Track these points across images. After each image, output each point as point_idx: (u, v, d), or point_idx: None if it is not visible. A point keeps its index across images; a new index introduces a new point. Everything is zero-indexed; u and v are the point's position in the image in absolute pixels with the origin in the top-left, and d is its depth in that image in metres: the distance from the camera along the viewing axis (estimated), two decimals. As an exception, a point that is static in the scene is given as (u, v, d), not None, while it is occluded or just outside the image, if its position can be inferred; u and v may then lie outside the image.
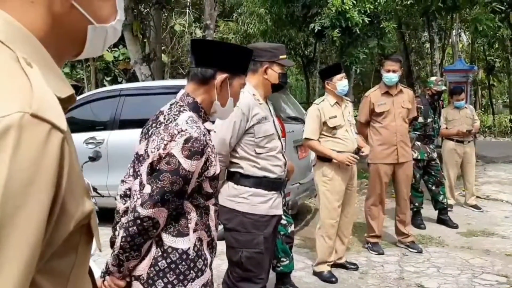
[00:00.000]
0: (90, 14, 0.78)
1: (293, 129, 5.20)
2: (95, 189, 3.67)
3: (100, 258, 3.65)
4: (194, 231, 1.72)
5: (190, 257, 1.70)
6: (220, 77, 1.80)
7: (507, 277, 4.01)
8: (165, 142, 1.65)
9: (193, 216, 1.72)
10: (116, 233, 1.84)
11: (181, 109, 1.75)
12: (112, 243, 1.86)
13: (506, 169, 9.38)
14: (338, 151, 3.96)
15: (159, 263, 1.68)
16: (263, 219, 2.61)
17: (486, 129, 17.18)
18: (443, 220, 5.75)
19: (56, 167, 0.62)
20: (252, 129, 2.59)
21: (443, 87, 5.79)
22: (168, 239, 1.69)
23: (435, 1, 8.68)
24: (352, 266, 4.30)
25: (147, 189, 1.64)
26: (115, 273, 1.71)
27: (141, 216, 1.62)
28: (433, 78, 6.00)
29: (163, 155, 1.64)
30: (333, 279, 4.01)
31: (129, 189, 1.84)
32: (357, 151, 3.93)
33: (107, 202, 4.90)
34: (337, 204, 4.04)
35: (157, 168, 1.65)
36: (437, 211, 5.83)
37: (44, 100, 0.63)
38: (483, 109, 20.86)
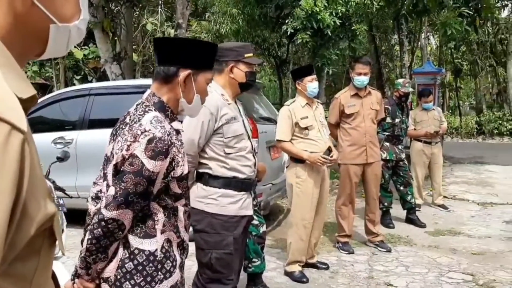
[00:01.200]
0: (52, 12, 0.76)
1: (266, 129, 5.22)
2: (63, 190, 3.60)
3: (69, 261, 3.58)
4: (162, 232, 1.71)
5: (157, 258, 1.68)
6: (183, 74, 1.77)
7: (473, 275, 4.12)
8: (128, 143, 1.63)
9: (161, 217, 1.71)
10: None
11: (146, 109, 1.72)
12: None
13: (472, 169, 9.63)
14: (311, 152, 3.99)
15: (126, 265, 1.66)
16: (233, 219, 2.61)
17: (453, 131, 17.62)
18: (411, 219, 5.87)
19: (17, 169, 0.61)
20: (221, 129, 2.57)
21: (410, 89, 5.91)
22: (135, 241, 1.67)
23: (406, 4, 8.86)
24: (323, 266, 4.34)
25: (111, 190, 1.63)
26: (84, 276, 1.69)
27: (105, 218, 1.60)
28: (400, 80, 6.11)
29: (127, 156, 1.62)
30: (304, 279, 4.04)
31: (101, 191, 1.82)
32: (328, 152, 3.97)
33: (76, 203, 4.82)
34: (310, 205, 4.07)
35: (121, 169, 1.63)
36: (405, 211, 5.94)
37: (3, 101, 0.61)
38: (450, 111, 21.38)
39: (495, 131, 16.89)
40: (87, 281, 1.70)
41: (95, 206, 1.84)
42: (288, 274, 4.15)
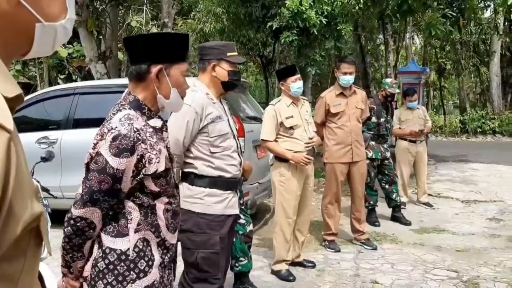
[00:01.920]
0: (38, 11, 0.76)
1: (252, 128, 5.22)
2: (47, 190, 3.57)
3: (53, 262, 3.55)
4: (136, 231, 1.69)
5: (129, 258, 1.67)
6: (155, 69, 1.74)
7: (457, 272, 4.18)
8: (95, 141, 1.64)
9: (135, 216, 1.70)
10: None
11: (121, 107, 1.73)
12: None
13: (456, 167, 9.74)
14: (296, 151, 4.01)
15: (99, 264, 1.67)
16: (219, 219, 2.61)
17: (438, 129, 17.79)
18: (396, 217, 5.93)
19: (3, 168, 0.60)
20: (206, 128, 2.57)
21: (397, 90, 5.96)
22: (107, 240, 1.67)
23: (391, 5, 8.93)
24: (310, 264, 4.36)
25: (80, 189, 1.64)
26: (68, 274, 1.71)
27: (73, 216, 1.62)
28: (388, 80, 6.15)
29: (93, 155, 1.63)
30: (291, 278, 4.05)
31: None
32: (312, 153, 3.98)
33: (61, 204, 4.77)
34: (294, 203, 4.08)
35: (89, 168, 1.64)
36: (391, 209, 5.99)
37: None
38: (434, 110, 21.59)
39: (479, 130, 17.09)
40: (72, 280, 1.72)
41: None
42: (275, 273, 4.16)
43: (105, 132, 1.63)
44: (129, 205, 1.69)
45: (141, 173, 1.67)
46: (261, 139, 4.13)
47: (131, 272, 1.67)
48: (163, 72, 1.76)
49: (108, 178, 1.61)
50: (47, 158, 3.75)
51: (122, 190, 1.65)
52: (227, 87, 2.74)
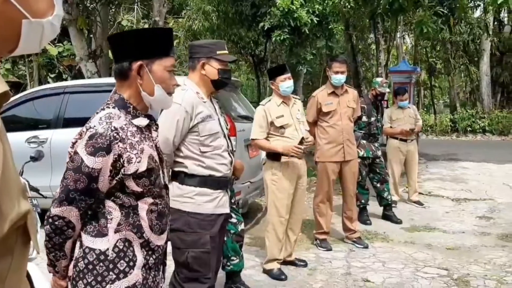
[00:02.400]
0: (25, 8, 0.75)
1: (244, 128, 5.21)
2: (37, 190, 3.53)
3: (43, 262, 3.52)
4: (116, 231, 1.67)
5: (108, 258, 1.66)
6: (135, 66, 1.71)
7: (448, 270, 4.20)
8: (74, 140, 1.64)
9: (116, 216, 1.68)
10: None
11: (104, 106, 1.72)
12: None
13: (446, 166, 9.81)
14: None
15: (79, 264, 1.66)
16: (209, 218, 2.60)
17: (428, 128, 17.89)
18: (387, 216, 5.95)
19: None
20: (196, 127, 2.56)
21: (387, 89, 5.99)
22: (87, 240, 1.67)
23: (382, 4, 8.96)
24: (301, 263, 4.36)
25: (59, 188, 1.64)
26: (54, 273, 1.73)
27: (51, 215, 1.62)
28: (378, 79, 6.17)
29: (72, 153, 1.63)
30: (283, 277, 4.05)
31: None
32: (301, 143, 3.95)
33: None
34: (286, 203, 4.09)
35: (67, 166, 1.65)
36: (382, 208, 6.02)
37: None
38: (425, 109, 21.73)
39: (469, 129, 17.22)
40: (59, 279, 1.72)
41: None
42: (266, 272, 4.16)
43: (83, 131, 1.62)
44: (109, 205, 1.68)
45: (120, 172, 1.65)
46: (251, 138, 4.13)
47: (110, 273, 1.65)
48: (144, 68, 1.72)
49: (84, 177, 1.60)
50: (36, 157, 3.72)
51: (99, 189, 1.63)
52: (217, 86, 2.72)
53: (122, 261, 1.67)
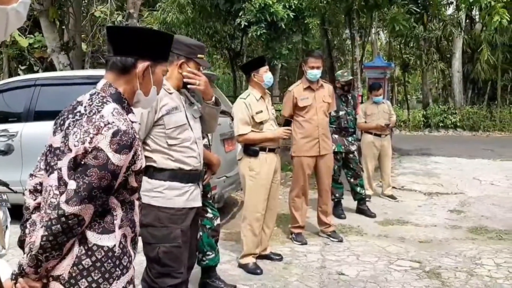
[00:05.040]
0: None
1: (220, 122, 5.14)
2: (7, 185, 3.45)
3: (14, 258, 3.44)
4: (120, 227, 1.68)
5: (115, 254, 1.65)
6: (142, 65, 1.74)
7: (420, 263, 4.28)
8: (91, 135, 1.58)
9: (119, 212, 1.68)
10: (27, 231, 1.72)
11: (104, 100, 1.67)
12: (22, 242, 1.75)
13: (419, 161, 9.98)
14: (266, 144, 4.06)
15: (83, 262, 1.61)
16: (180, 212, 2.58)
17: (401, 124, 18.18)
18: (361, 210, 6.03)
19: None
20: (162, 120, 2.53)
21: (350, 77, 6.06)
22: (93, 237, 1.62)
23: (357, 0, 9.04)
24: (277, 257, 4.38)
25: (72, 185, 1.56)
26: (31, 275, 1.60)
27: (66, 214, 1.53)
28: (339, 72, 6.30)
29: (89, 149, 1.57)
30: (258, 271, 4.06)
31: (40, 184, 1.73)
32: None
33: (22, 199, 4.63)
34: (263, 198, 4.09)
35: (83, 162, 1.57)
36: (356, 202, 6.09)
37: None
38: (398, 105, 22.06)
39: (441, 124, 17.56)
40: (33, 280, 1.61)
41: (34, 199, 1.75)
42: (242, 266, 4.16)
43: (101, 127, 1.58)
44: (113, 201, 1.67)
45: (130, 169, 1.66)
46: (237, 135, 4.08)
47: (117, 269, 1.65)
48: (149, 69, 1.76)
49: (109, 175, 1.57)
50: (6, 151, 3.64)
51: (115, 187, 1.63)
52: (186, 85, 2.72)
53: (125, 257, 1.69)
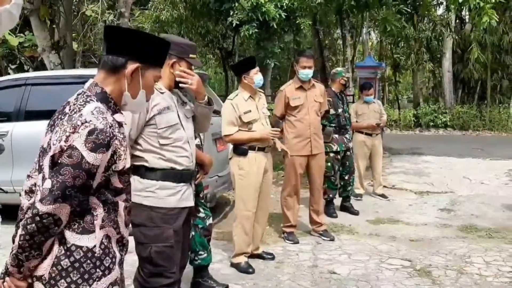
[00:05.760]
0: None
1: (212, 121, 5.14)
2: (-3, 185, 3.42)
3: (4, 258, 3.42)
4: (101, 228, 1.66)
5: (96, 255, 1.64)
6: (131, 66, 1.72)
7: (411, 261, 4.31)
8: (67, 134, 1.57)
9: (100, 212, 1.66)
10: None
11: (88, 99, 1.67)
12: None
13: (410, 160, 10.03)
14: (255, 145, 4.05)
15: (62, 262, 1.60)
16: (172, 212, 2.58)
17: (392, 123, 18.27)
18: (345, 207, 6.08)
19: None
20: (153, 120, 2.53)
21: (349, 74, 6.10)
22: (72, 237, 1.62)
23: (348, 0, 9.07)
24: (269, 256, 4.39)
25: (47, 184, 1.55)
26: (15, 274, 1.61)
27: (40, 213, 1.52)
28: (339, 69, 6.30)
29: (65, 148, 1.56)
30: (250, 270, 4.07)
31: (35, 185, 1.73)
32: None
33: (12, 199, 4.60)
34: (253, 197, 4.10)
35: (59, 161, 1.56)
36: (341, 198, 6.12)
37: None
38: (389, 104, 22.15)
39: (431, 124, 17.67)
40: (18, 280, 1.62)
41: (29, 200, 1.74)
42: (234, 265, 4.17)
43: (78, 125, 1.56)
44: (94, 201, 1.65)
45: (110, 169, 1.64)
46: (224, 135, 4.10)
47: (97, 270, 1.63)
48: (138, 71, 1.74)
49: (83, 174, 1.56)
50: (-4, 151, 3.61)
51: (92, 186, 1.61)
52: (178, 85, 2.72)
53: (107, 258, 1.66)
